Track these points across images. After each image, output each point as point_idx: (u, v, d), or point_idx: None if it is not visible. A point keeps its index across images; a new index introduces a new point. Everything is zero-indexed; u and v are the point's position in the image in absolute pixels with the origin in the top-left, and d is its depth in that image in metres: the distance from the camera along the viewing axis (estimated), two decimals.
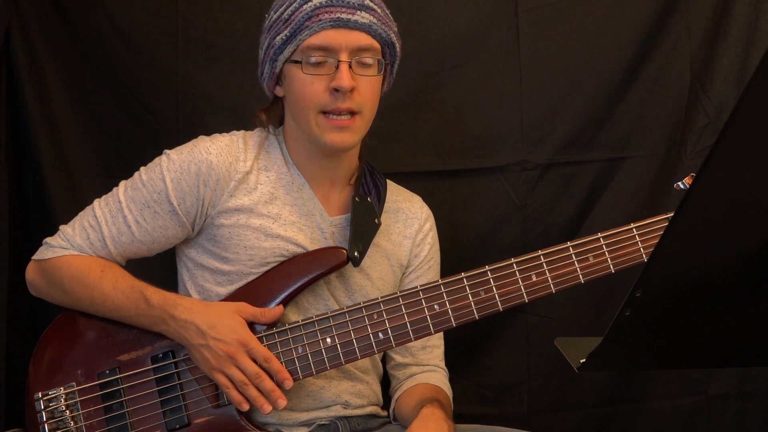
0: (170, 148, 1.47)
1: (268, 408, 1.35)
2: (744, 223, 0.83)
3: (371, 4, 1.39)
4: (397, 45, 1.45)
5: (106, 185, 1.51)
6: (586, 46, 1.91)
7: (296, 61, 1.37)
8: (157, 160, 1.45)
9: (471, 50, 1.93)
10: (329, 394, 1.46)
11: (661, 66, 1.90)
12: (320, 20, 1.34)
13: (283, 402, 1.36)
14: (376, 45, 1.39)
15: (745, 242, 0.85)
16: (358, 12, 1.36)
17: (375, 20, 1.38)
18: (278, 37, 1.39)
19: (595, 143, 1.93)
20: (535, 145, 1.93)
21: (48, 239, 1.48)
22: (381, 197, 1.53)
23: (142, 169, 1.47)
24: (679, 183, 1.40)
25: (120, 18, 1.90)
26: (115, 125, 1.92)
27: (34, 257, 1.49)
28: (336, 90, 1.35)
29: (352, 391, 1.49)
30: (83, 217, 1.46)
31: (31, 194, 1.90)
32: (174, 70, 1.90)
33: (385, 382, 1.67)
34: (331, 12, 1.35)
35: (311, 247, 1.44)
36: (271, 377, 1.36)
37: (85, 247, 1.44)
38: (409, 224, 1.59)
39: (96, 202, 1.47)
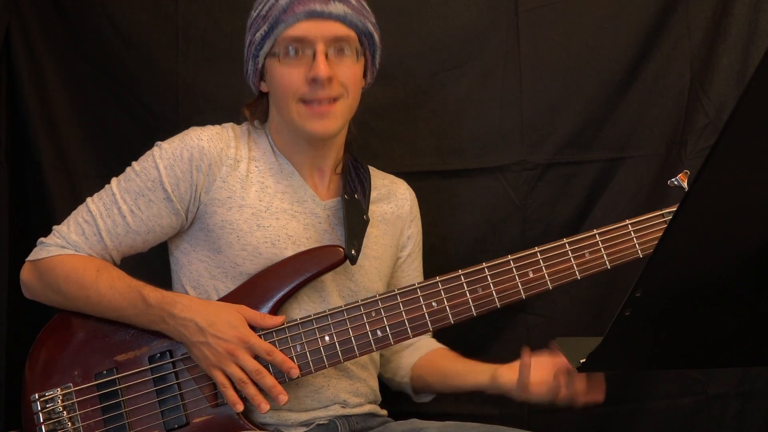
0: None
1: (266, 407, 1.35)
2: (744, 223, 0.83)
3: None
4: (375, 35, 1.46)
5: (106, 185, 1.51)
6: (586, 46, 1.91)
7: (275, 54, 1.40)
8: (149, 151, 1.47)
9: (471, 50, 1.93)
10: (327, 394, 1.46)
11: (661, 66, 1.90)
12: (295, 13, 1.37)
13: (284, 398, 1.35)
14: (353, 34, 1.41)
15: (745, 242, 0.85)
16: (332, 2, 1.38)
17: (349, 10, 1.40)
18: (258, 33, 1.41)
19: (595, 143, 1.93)
20: (535, 145, 1.92)
21: (43, 239, 1.48)
22: (366, 191, 1.55)
23: (133, 162, 1.48)
24: (673, 180, 1.42)
25: (120, 18, 1.90)
26: (115, 125, 1.93)
27: (29, 258, 1.48)
28: (314, 80, 1.37)
29: (349, 390, 1.49)
30: (77, 215, 1.47)
31: (31, 194, 1.90)
32: (174, 70, 1.90)
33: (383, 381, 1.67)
34: (305, 4, 1.37)
35: (304, 234, 1.45)
36: (275, 371, 1.36)
37: (80, 243, 1.44)
38: (400, 205, 1.63)
39: (89, 199, 1.48)
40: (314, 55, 1.37)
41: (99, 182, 1.84)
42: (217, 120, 1.85)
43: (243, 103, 1.88)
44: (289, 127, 1.46)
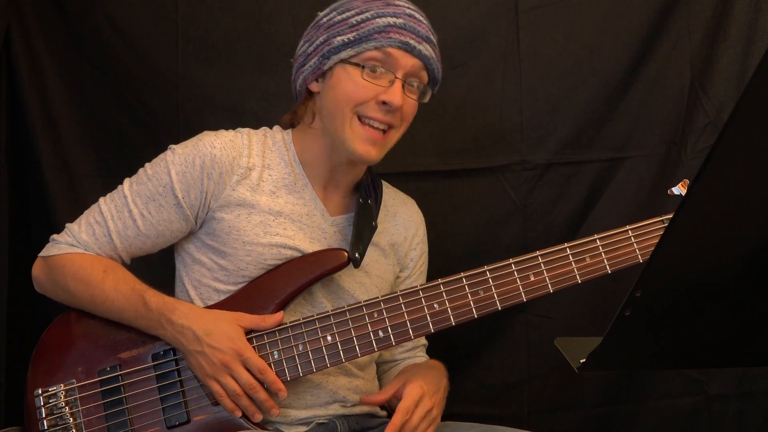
0: None
1: (259, 417, 1.37)
2: (744, 223, 0.83)
3: (434, 39, 1.46)
4: (438, 84, 1.52)
5: (107, 185, 1.52)
6: (586, 46, 1.91)
7: (356, 64, 1.40)
8: (162, 155, 1.47)
9: (471, 50, 1.93)
10: (327, 391, 1.47)
11: (661, 66, 1.90)
12: (390, 38, 1.39)
13: (276, 411, 1.37)
14: (426, 77, 1.46)
15: (745, 242, 0.85)
16: (424, 43, 1.43)
17: (434, 57, 1.45)
18: (339, 38, 1.41)
19: (595, 143, 1.93)
20: (535, 145, 1.93)
21: (55, 236, 1.49)
22: (378, 199, 1.56)
23: (146, 164, 1.48)
24: (673, 189, 1.43)
25: (120, 18, 1.90)
26: (115, 125, 1.93)
27: (41, 254, 1.49)
28: (384, 103, 1.39)
29: (349, 387, 1.49)
30: (89, 214, 1.48)
31: (31, 194, 1.90)
32: (174, 70, 1.91)
33: None
34: (402, 34, 1.40)
35: (309, 247, 1.45)
36: (265, 387, 1.37)
37: (90, 243, 1.45)
38: (407, 227, 1.62)
39: (101, 199, 1.48)
40: (392, 81, 1.40)
41: (99, 182, 1.86)
42: (216, 120, 1.86)
43: (243, 103, 1.90)
44: (331, 137, 1.45)
